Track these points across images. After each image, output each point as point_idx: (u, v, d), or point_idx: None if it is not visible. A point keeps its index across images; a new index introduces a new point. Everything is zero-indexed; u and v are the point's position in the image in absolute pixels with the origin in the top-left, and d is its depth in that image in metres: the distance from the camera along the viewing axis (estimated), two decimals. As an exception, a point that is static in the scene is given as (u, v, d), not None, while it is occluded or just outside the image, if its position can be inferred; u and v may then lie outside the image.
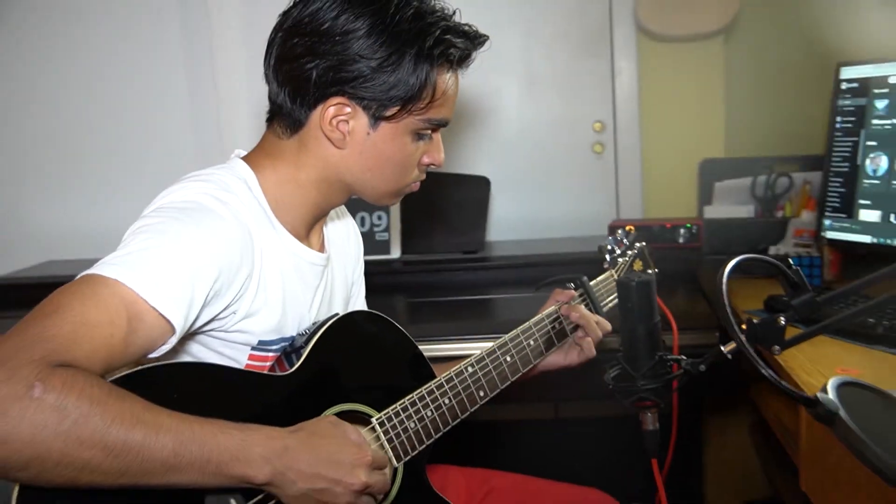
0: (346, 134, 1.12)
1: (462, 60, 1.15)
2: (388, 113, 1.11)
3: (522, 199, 2.60)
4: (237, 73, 2.60)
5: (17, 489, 0.85)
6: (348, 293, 1.37)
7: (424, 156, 1.19)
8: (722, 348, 1.16)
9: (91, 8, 2.59)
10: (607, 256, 1.51)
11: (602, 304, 1.44)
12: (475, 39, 1.15)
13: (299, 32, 1.10)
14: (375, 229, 2.21)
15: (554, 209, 2.59)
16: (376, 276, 2.19)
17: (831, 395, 0.88)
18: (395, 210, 2.20)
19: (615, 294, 1.47)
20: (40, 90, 2.63)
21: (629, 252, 1.52)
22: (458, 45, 1.12)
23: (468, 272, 2.17)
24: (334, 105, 1.10)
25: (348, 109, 1.10)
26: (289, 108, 1.13)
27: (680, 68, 2.52)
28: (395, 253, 2.22)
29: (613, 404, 2.40)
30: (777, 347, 1.13)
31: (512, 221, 2.57)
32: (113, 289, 0.92)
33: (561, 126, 2.60)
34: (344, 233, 1.38)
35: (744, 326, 1.14)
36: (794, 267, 1.14)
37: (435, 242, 2.23)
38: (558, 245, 2.36)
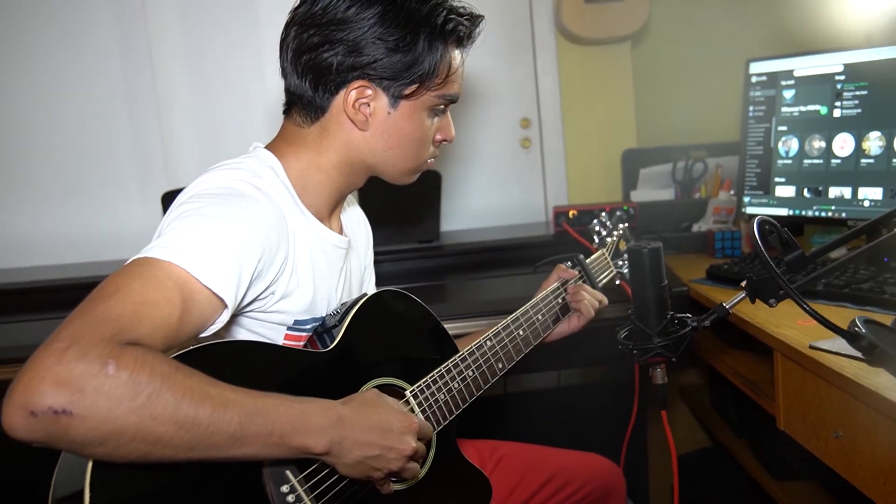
0: (368, 115, 1.10)
1: (468, 37, 1.15)
2: (407, 91, 1.09)
3: (463, 192, 2.58)
4: (177, 79, 2.45)
5: (90, 465, 0.79)
6: (362, 277, 1.33)
7: (438, 132, 1.18)
8: (725, 305, 1.19)
9: (31, 25, 2.38)
10: (595, 238, 1.52)
11: (597, 279, 1.44)
12: (475, 18, 1.16)
13: (314, 24, 1.07)
14: (334, 224, 2.12)
15: (491, 200, 2.59)
16: None
17: (863, 329, 0.91)
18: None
19: (608, 271, 1.48)
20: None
21: (615, 233, 1.54)
22: (464, 23, 1.12)
23: (427, 259, 2.14)
24: (356, 88, 1.08)
25: (369, 91, 1.08)
26: (310, 97, 1.10)
27: (595, 68, 2.58)
28: (355, 245, 2.14)
29: (591, 371, 2.43)
30: (773, 300, 1.16)
31: (456, 212, 2.56)
32: (166, 270, 0.88)
33: (491, 124, 2.60)
34: (356, 219, 1.34)
35: (744, 284, 1.17)
36: (784, 228, 1.17)
37: (394, 233, 2.19)
38: (502, 232, 2.37)
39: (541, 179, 2.62)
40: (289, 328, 1.09)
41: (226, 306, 0.92)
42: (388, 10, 1.05)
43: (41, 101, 2.39)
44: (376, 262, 2.12)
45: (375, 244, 2.19)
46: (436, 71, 1.09)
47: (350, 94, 1.08)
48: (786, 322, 1.37)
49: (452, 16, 1.10)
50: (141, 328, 0.82)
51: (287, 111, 1.15)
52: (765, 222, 1.08)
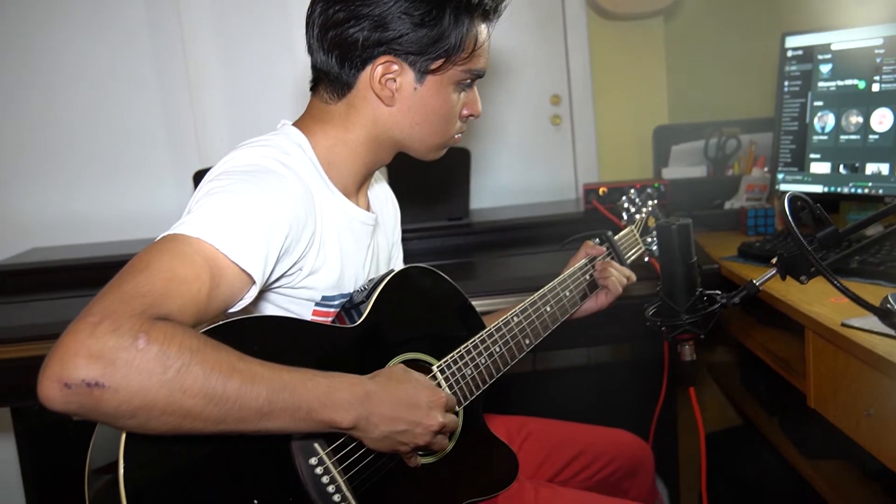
0: (394, 91, 1.09)
1: (494, 11, 1.13)
2: (434, 66, 1.08)
3: (492, 170, 2.57)
4: (208, 58, 2.46)
5: (124, 437, 0.81)
6: (389, 254, 1.32)
7: (465, 108, 1.17)
8: (755, 281, 1.16)
9: (61, 7, 2.41)
10: (624, 215, 1.50)
11: (625, 256, 1.42)
12: None
13: (339, 0, 1.05)
14: (365, 201, 2.13)
15: (522, 177, 2.58)
16: None
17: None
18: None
19: (636, 247, 1.46)
20: (19, 82, 2.42)
21: (644, 209, 1.51)
22: None
23: (456, 237, 2.13)
24: (382, 64, 1.07)
25: (395, 67, 1.08)
26: (336, 73, 1.10)
27: (627, 43, 2.54)
28: (386, 223, 2.15)
29: (617, 350, 2.41)
30: (804, 277, 1.13)
31: (485, 190, 2.54)
32: (195, 246, 0.88)
33: (521, 101, 2.58)
34: (384, 197, 1.34)
35: (774, 261, 1.14)
36: (817, 205, 1.14)
37: (423, 211, 2.18)
38: (533, 209, 2.35)
39: (571, 157, 2.59)
40: (317, 304, 1.09)
41: (254, 282, 0.92)
42: None
43: (72, 82, 2.42)
44: (405, 240, 2.13)
45: (405, 221, 2.19)
46: (462, 45, 1.07)
47: (376, 70, 1.07)
48: (818, 299, 1.34)
49: None
50: (171, 303, 0.82)
51: (314, 88, 1.15)
52: (796, 198, 1.05)
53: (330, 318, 1.12)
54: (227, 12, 2.45)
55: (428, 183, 2.17)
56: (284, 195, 0.99)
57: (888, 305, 0.88)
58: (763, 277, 1.16)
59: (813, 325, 1.27)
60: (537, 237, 2.15)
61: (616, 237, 1.44)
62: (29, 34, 2.39)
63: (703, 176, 2.27)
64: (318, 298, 1.09)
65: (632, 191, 1.58)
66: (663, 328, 1.18)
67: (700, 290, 1.17)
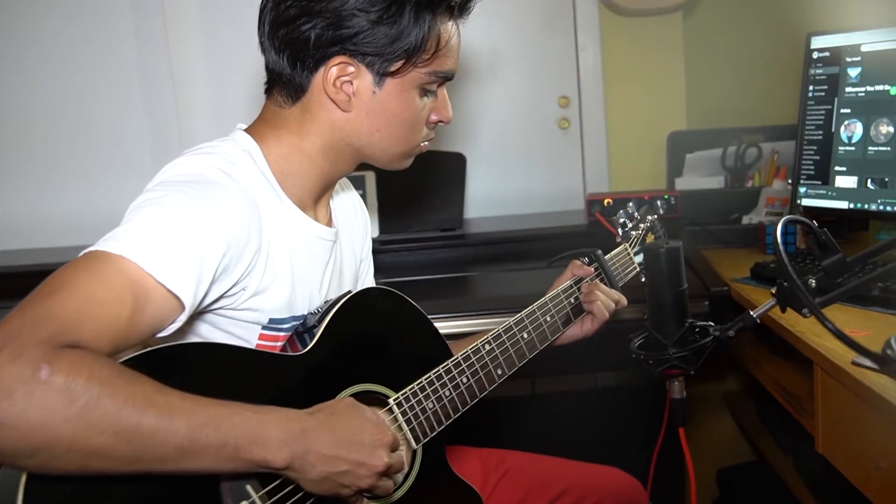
0: (350, 95, 1.05)
1: (462, 8, 1.09)
2: (393, 68, 1.04)
3: (493, 176, 2.52)
4: (193, 63, 2.44)
5: (24, 477, 0.76)
6: (357, 270, 1.28)
7: (432, 113, 1.13)
8: (752, 313, 1.11)
9: (45, 5, 2.40)
10: (619, 230, 1.44)
11: (616, 277, 1.36)
12: None
13: None
14: (351, 209, 2.09)
15: (524, 184, 2.52)
16: None
17: (899, 352, 0.83)
18: (372, 189, 2.11)
19: (630, 267, 1.40)
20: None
21: (641, 225, 1.45)
22: None
23: (448, 249, 2.10)
24: (336, 65, 1.04)
25: (351, 69, 1.04)
26: (289, 75, 1.06)
27: (642, 42, 2.47)
28: (373, 232, 2.12)
29: (615, 374, 2.35)
30: (806, 310, 1.07)
31: (485, 198, 2.49)
32: (118, 265, 0.85)
33: (526, 102, 2.53)
34: (350, 207, 1.30)
35: (773, 291, 1.09)
36: (822, 229, 1.09)
37: (413, 221, 2.15)
38: (533, 220, 2.30)
39: (579, 163, 2.54)
40: (263, 327, 1.05)
41: (183, 306, 0.88)
42: None
43: (55, 79, 2.41)
44: (391, 251, 2.12)
45: (391, 231, 2.19)
46: (424, 45, 1.03)
47: (330, 72, 1.03)
48: (826, 331, 1.28)
49: None
50: (84, 329, 0.79)
51: (268, 90, 1.11)
52: (794, 221, 0.99)
53: (279, 343, 1.08)
54: (213, 11, 2.43)
55: (418, 190, 2.13)
56: (224, 209, 0.95)
57: (889, 351, 0.82)
58: (761, 308, 1.10)
59: (821, 360, 1.21)
60: (536, 251, 2.10)
61: (607, 256, 1.38)
62: (7, 31, 2.39)
63: (719, 187, 2.21)
64: (265, 321, 1.05)
65: (629, 204, 1.52)
66: (650, 362, 1.13)
67: (690, 321, 1.12)
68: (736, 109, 2.43)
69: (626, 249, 1.43)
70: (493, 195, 2.49)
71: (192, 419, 0.80)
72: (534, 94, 2.52)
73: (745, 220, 2.10)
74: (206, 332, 1.03)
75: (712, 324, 1.13)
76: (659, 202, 2.05)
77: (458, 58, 1.11)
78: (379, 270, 2.09)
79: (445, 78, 1.10)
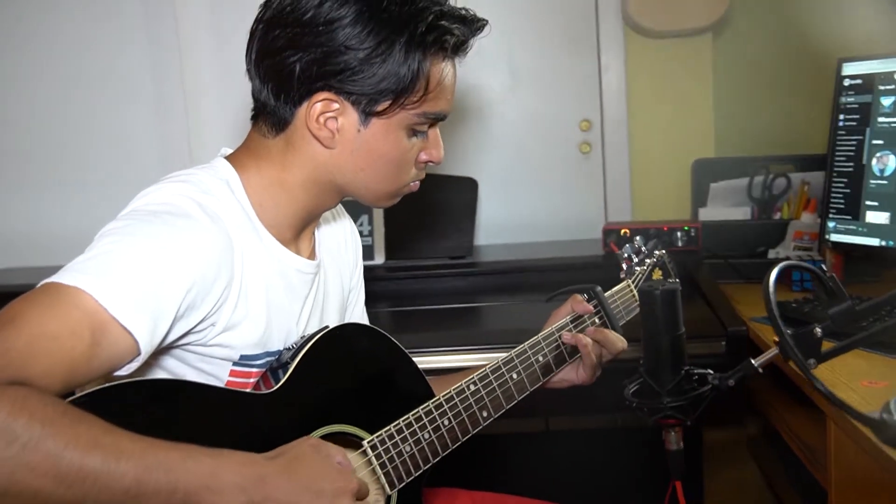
0: (334, 132, 1.04)
1: (458, 48, 1.07)
2: (379, 108, 1.03)
3: (509, 202, 2.51)
4: (205, 73, 2.48)
5: None
6: (344, 302, 1.27)
7: (422, 153, 1.11)
8: (753, 361, 1.07)
9: (54, 9, 2.46)
10: (624, 265, 1.41)
11: (617, 316, 1.33)
12: (472, 24, 1.07)
13: (281, 23, 1.02)
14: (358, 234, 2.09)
15: (542, 211, 2.51)
16: None
17: (897, 415, 0.79)
18: (379, 214, 2.10)
19: (634, 305, 1.37)
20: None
21: (647, 260, 1.42)
22: (454, 31, 1.05)
23: (456, 278, 2.09)
24: (321, 101, 1.03)
25: (336, 105, 1.03)
26: (273, 106, 1.06)
27: (668, 65, 2.46)
28: (379, 259, 2.13)
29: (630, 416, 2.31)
30: (813, 361, 1.04)
31: (499, 225, 2.48)
32: (74, 298, 0.84)
33: (546, 125, 2.52)
34: (341, 236, 1.29)
35: (775, 339, 1.05)
36: (829, 274, 1.05)
37: (421, 247, 2.14)
38: (549, 249, 2.28)
39: (600, 190, 2.52)
40: (234, 364, 1.04)
41: (139, 345, 0.87)
42: (364, 12, 0.99)
43: (62, 88, 2.46)
44: (398, 279, 2.11)
45: (399, 257, 2.19)
46: (413, 86, 1.02)
47: (314, 107, 1.02)
48: (847, 381, 1.23)
49: (441, 22, 1.02)
50: (33, 365, 0.78)
51: (254, 118, 1.11)
52: (795, 268, 0.96)
53: (252, 380, 1.07)
54: (225, 18, 2.46)
55: (427, 215, 2.13)
56: (192, 241, 0.94)
57: (885, 415, 0.78)
58: (763, 357, 1.07)
59: (834, 413, 1.16)
60: (549, 282, 2.06)
61: (608, 293, 1.35)
62: (16, 38, 2.45)
63: (745, 219, 2.16)
64: (236, 357, 1.04)
65: (637, 237, 1.49)
66: (644, 410, 1.10)
67: (687, 368, 1.08)
68: (766, 137, 2.39)
69: (629, 286, 1.39)
70: (505, 222, 2.48)
71: (141, 462, 0.78)
72: (554, 116, 2.51)
73: (772, 254, 2.05)
74: (175, 367, 1.02)
75: (711, 371, 1.09)
76: (679, 233, 2.03)
77: (453, 98, 1.09)
78: (384, 298, 2.12)
79: (437, 119, 1.08)
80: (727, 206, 2.20)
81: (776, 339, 1.05)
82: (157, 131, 2.49)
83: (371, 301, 2.06)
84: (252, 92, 1.09)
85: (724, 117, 2.48)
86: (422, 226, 2.12)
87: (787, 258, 1.98)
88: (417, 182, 1.14)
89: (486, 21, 1.10)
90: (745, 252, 2.08)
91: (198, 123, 2.47)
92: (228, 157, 1.11)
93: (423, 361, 1.72)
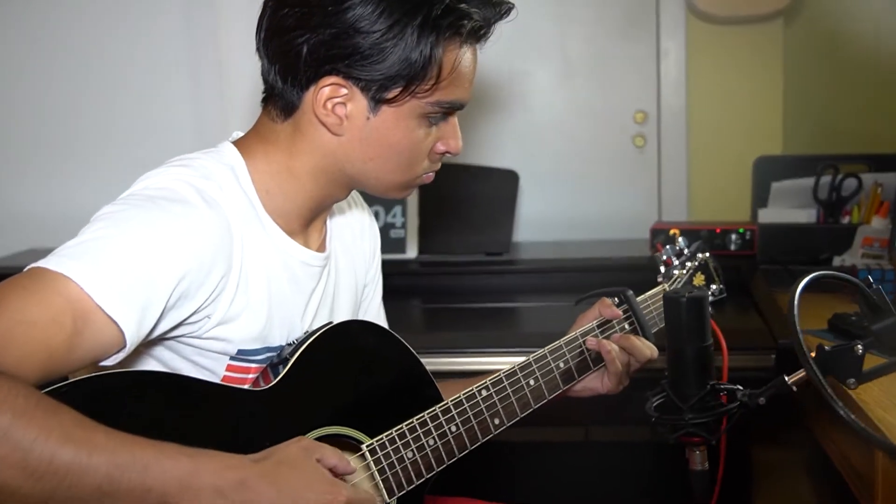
0: (343, 118, 1.03)
1: (475, 33, 1.05)
2: (390, 95, 1.02)
3: (553, 196, 2.49)
4: (244, 49, 2.50)
5: None
6: (358, 297, 1.27)
7: (439, 143, 1.09)
8: (786, 378, 1.03)
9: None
10: (662, 268, 1.37)
11: (650, 323, 1.30)
12: (495, 8, 1.05)
13: (290, 1, 1.02)
14: (390, 226, 2.11)
15: (588, 208, 2.48)
16: (390, 278, 2.07)
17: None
18: (413, 205, 2.10)
19: None
20: (27, 72, 2.57)
21: (688, 264, 1.38)
22: (473, 14, 1.02)
23: (492, 276, 2.08)
24: (328, 85, 1.02)
25: (344, 91, 1.02)
26: (280, 88, 1.05)
27: (734, 53, 2.40)
28: (412, 252, 2.14)
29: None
30: (853, 381, 1.01)
31: (541, 221, 2.46)
32: (58, 284, 0.85)
33: (598, 116, 2.49)
34: (358, 227, 1.28)
35: (813, 354, 1.01)
36: (874, 286, 1.01)
37: (456, 242, 2.14)
38: (594, 248, 2.25)
39: (655, 187, 2.48)
40: (232, 358, 1.04)
41: (125, 336, 0.88)
42: None
43: (101, 74, 2.53)
44: (430, 274, 2.11)
45: (432, 251, 2.18)
46: (425, 73, 1.00)
47: (321, 92, 1.02)
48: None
49: (460, 5, 1.00)
50: (10, 351, 0.79)
51: (264, 100, 1.11)
52: (831, 278, 0.92)
53: (251, 376, 1.07)
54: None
55: (464, 208, 2.13)
56: (187, 229, 0.95)
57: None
58: (797, 375, 1.03)
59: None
60: (591, 284, 2.02)
61: (641, 297, 1.32)
62: (52, 28, 2.53)
63: (809, 222, 2.09)
64: (234, 352, 1.04)
65: (679, 238, 1.45)
66: (665, 426, 1.07)
67: (713, 382, 1.05)
68: (838, 133, 2.31)
69: (665, 291, 1.36)
70: (548, 218, 2.46)
71: (115, 458, 0.79)
72: (607, 106, 2.48)
73: (837, 261, 1.98)
74: (170, 360, 1.02)
75: (740, 387, 1.06)
76: (733, 236, 1.98)
77: (472, 86, 1.07)
78: (415, 294, 2.12)
79: (452, 108, 1.07)
80: (790, 208, 2.12)
81: (812, 355, 1.01)
82: (192, 108, 2.53)
83: (401, 296, 2.09)
84: (261, 72, 1.09)
85: (794, 111, 2.41)
86: (457, 219, 2.12)
87: (854, 267, 1.91)
88: (432, 174, 1.13)
89: (512, 4, 1.07)
90: (807, 258, 2.01)
91: (233, 101, 2.50)
92: (237, 142, 1.11)
93: (453, 363, 1.74)
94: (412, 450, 1.08)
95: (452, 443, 1.11)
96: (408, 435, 1.08)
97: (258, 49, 1.08)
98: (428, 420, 1.10)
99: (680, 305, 1.05)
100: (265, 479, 0.87)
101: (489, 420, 1.14)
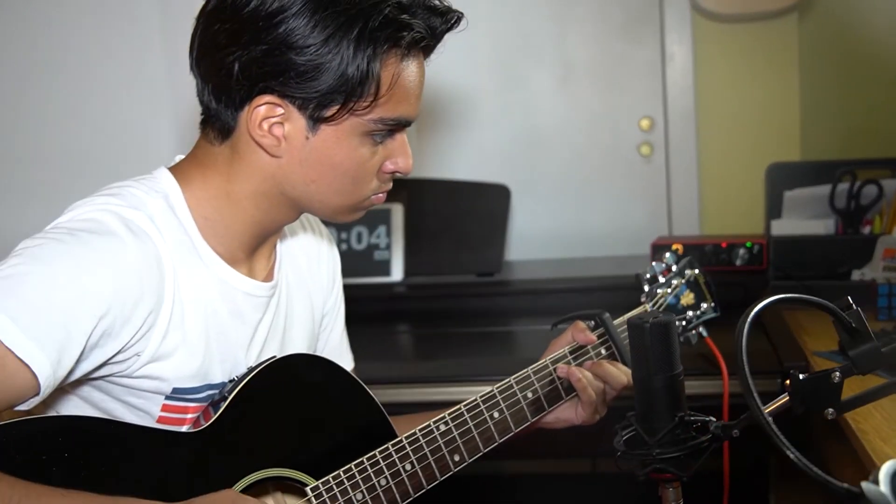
0: (280, 139, 1.03)
1: (416, 44, 1.04)
2: (328, 113, 1.02)
3: (552, 211, 2.49)
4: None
5: None
6: (315, 329, 1.26)
7: (387, 161, 1.09)
8: (764, 408, 1.01)
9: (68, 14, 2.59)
10: (646, 287, 1.36)
11: (627, 348, 1.28)
12: (443, 16, 1.04)
13: (221, 17, 1.02)
14: (374, 247, 2.11)
15: (590, 223, 2.48)
16: (374, 303, 2.13)
17: (884, 486, 0.73)
18: (398, 225, 2.11)
19: None
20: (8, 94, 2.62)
21: (674, 281, 1.37)
22: (414, 25, 1.02)
23: (483, 298, 2.09)
24: (263, 105, 1.02)
25: (280, 110, 1.02)
26: (215, 109, 1.06)
27: (744, 52, 2.40)
28: (397, 275, 2.14)
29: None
30: (831, 410, 0.97)
31: (539, 238, 2.47)
32: None
33: (600, 123, 2.49)
34: (315, 252, 1.28)
35: (787, 383, 0.99)
36: (853, 308, 0.98)
37: (444, 263, 2.15)
38: (595, 266, 2.25)
39: (663, 198, 2.47)
40: (167, 397, 1.04)
41: (39, 379, 0.88)
42: (311, 4, 0.98)
43: (79, 85, 2.57)
44: (418, 298, 2.11)
45: (419, 273, 2.19)
46: (363, 88, 1.00)
47: (256, 112, 1.02)
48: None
49: (402, 16, 1.00)
50: None
51: (202, 123, 1.12)
52: (793, 300, 0.90)
53: (190, 415, 1.06)
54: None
55: (453, 226, 2.14)
56: (110, 263, 0.95)
57: (864, 484, 0.71)
58: (773, 404, 1.00)
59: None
60: (591, 305, 2.02)
61: (619, 320, 1.31)
62: (33, 39, 2.59)
63: (826, 233, 2.07)
64: (168, 391, 1.04)
65: (667, 255, 1.43)
66: (632, 462, 1.05)
67: (681, 414, 1.03)
68: (856, 136, 2.28)
69: (630, 317, 1.34)
70: (545, 235, 2.46)
71: None
72: (610, 113, 2.48)
73: (856, 275, 1.95)
74: (99, 400, 1.03)
75: (712, 419, 1.03)
76: (739, 251, 1.96)
77: (418, 101, 1.07)
78: (401, 319, 2.12)
79: (398, 125, 1.07)
80: (805, 219, 2.11)
81: (787, 383, 0.99)
82: (172, 136, 2.57)
83: (386, 322, 2.10)
84: (196, 93, 1.10)
85: (812, 113, 2.39)
86: (446, 238, 2.12)
87: (873, 281, 1.88)
88: (382, 195, 1.12)
89: (461, 14, 1.06)
90: (823, 272, 1.99)
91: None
92: (174, 168, 1.12)
93: (442, 392, 1.74)
94: (361, 491, 1.07)
95: (407, 482, 1.10)
96: (357, 475, 1.07)
97: (191, 68, 1.09)
98: (379, 458, 1.09)
99: (644, 332, 1.03)
100: None
101: (448, 457, 1.13)
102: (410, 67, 1.05)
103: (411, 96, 1.06)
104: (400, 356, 1.99)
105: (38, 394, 0.90)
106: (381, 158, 1.08)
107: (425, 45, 1.05)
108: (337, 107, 1.01)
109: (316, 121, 1.02)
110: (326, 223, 1.33)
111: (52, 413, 1.02)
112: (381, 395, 1.16)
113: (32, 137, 2.63)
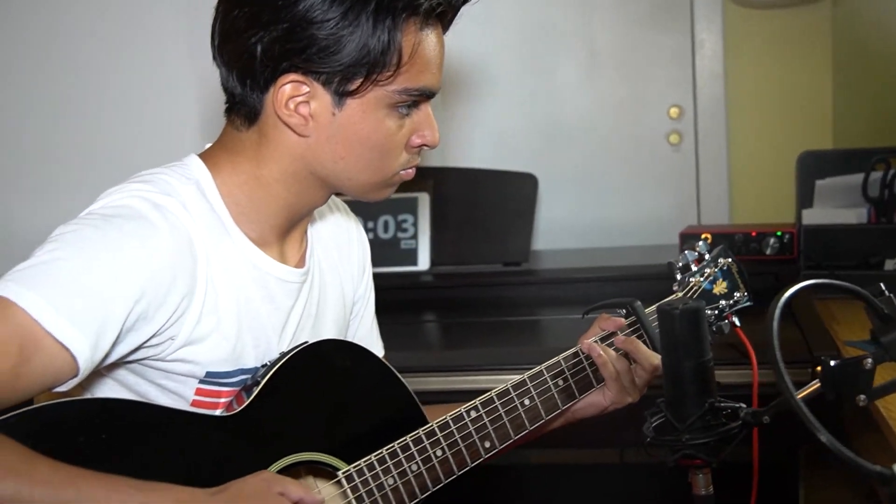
0: (307, 117, 1.05)
1: (433, 11, 1.06)
2: (353, 86, 1.04)
3: (579, 201, 2.50)
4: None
5: None
6: (346, 314, 1.29)
7: (414, 136, 1.11)
8: (797, 394, 1.02)
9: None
10: (678, 275, 1.37)
11: (657, 335, 1.30)
12: None
13: (239, 2, 1.05)
14: (401, 236, 2.14)
15: (619, 212, 2.49)
16: (401, 291, 2.15)
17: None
18: (425, 213, 2.13)
19: None
20: (32, 88, 2.66)
21: (707, 270, 1.38)
22: None
23: (510, 287, 2.10)
24: (288, 83, 1.04)
25: (305, 88, 1.04)
26: (241, 94, 1.08)
27: (775, 40, 2.40)
28: (424, 264, 2.16)
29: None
30: (863, 397, 0.99)
31: (566, 227, 2.48)
32: (5, 310, 0.87)
33: (628, 112, 2.50)
34: (344, 241, 1.30)
35: (818, 369, 1.00)
36: (886, 294, 0.99)
37: (471, 252, 2.16)
38: (623, 256, 2.26)
39: (692, 188, 2.47)
40: (201, 381, 1.06)
41: (77, 363, 0.90)
42: None
43: (104, 81, 2.62)
44: (443, 287, 2.13)
45: (445, 262, 2.20)
46: (386, 59, 1.02)
47: (282, 91, 1.04)
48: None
49: None
50: None
51: (227, 110, 1.14)
52: (828, 287, 0.92)
53: (223, 399, 1.08)
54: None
55: (479, 215, 2.14)
56: (144, 248, 0.97)
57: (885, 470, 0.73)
58: (804, 390, 1.02)
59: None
60: (619, 294, 2.03)
61: (650, 308, 1.32)
62: (57, 32, 2.63)
63: (859, 223, 2.06)
64: (202, 374, 1.06)
65: (699, 243, 1.44)
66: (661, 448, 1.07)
67: (711, 400, 1.05)
68: (891, 123, 2.26)
69: (661, 303, 1.36)
70: (573, 224, 2.47)
71: (60, 493, 0.81)
72: (638, 101, 2.49)
73: (890, 264, 1.95)
74: (134, 384, 1.05)
75: (742, 405, 1.05)
76: (770, 240, 1.96)
77: (440, 72, 1.09)
78: (427, 308, 2.14)
79: (422, 95, 1.09)
80: (837, 207, 2.09)
81: (818, 368, 1.01)
82: (198, 130, 2.60)
83: (413, 311, 2.11)
84: (221, 81, 1.11)
85: (846, 101, 2.38)
86: (472, 227, 2.13)
87: (907, 270, 1.88)
88: (412, 170, 1.14)
89: None
90: (856, 262, 1.98)
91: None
92: (203, 155, 1.14)
93: (469, 381, 1.75)
94: (393, 476, 1.09)
95: (438, 468, 1.12)
96: (388, 460, 1.09)
97: (214, 57, 1.10)
98: (410, 444, 1.11)
99: (673, 318, 1.04)
100: None
101: (479, 443, 1.15)
102: (430, 37, 1.07)
103: (433, 65, 1.08)
104: (426, 345, 2.01)
105: (76, 375, 0.92)
106: (407, 132, 1.10)
107: (442, 11, 1.07)
108: (361, 79, 1.03)
109: (341, 95, 1.04)
110: (353, 210, 1.36)
111: (88, 395, 1.04)
112: (407, 383, 1.18)
113: (57, 130, 2.66)
